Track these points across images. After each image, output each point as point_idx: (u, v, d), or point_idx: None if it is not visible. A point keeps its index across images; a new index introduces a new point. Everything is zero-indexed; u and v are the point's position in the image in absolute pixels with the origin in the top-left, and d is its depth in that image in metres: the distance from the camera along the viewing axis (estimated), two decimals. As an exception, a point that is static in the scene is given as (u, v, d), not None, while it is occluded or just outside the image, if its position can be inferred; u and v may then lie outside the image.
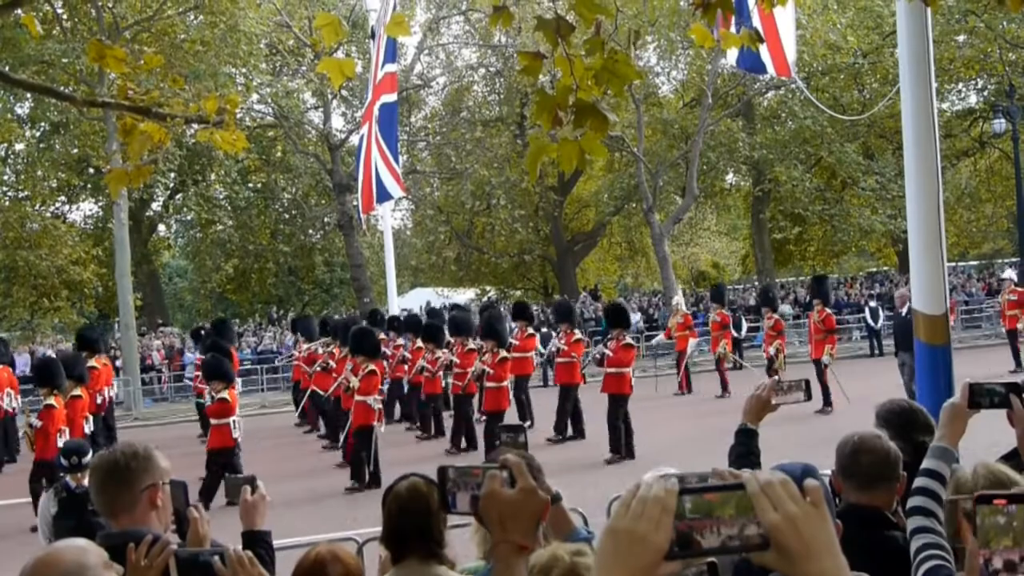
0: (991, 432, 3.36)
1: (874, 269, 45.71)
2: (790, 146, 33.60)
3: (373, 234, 36.14)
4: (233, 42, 27.47)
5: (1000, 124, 27.97)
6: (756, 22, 8.01)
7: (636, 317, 30.40)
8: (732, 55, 10.10)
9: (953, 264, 37.46)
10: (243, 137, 5.67)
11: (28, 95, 28.19)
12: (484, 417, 14.22)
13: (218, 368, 12.12)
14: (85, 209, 37.47)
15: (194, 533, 2.73)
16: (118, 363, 27.71)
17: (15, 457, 16.83)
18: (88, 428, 13.74)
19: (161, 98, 5.87)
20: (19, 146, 32.70)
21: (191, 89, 20.19)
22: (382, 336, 18.81)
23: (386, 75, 19.07)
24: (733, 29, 5.04)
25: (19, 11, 6.43)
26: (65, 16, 26.64)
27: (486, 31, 33.84)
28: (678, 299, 22.64)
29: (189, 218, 39.09)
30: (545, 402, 16.61)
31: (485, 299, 42.98)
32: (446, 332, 16.82)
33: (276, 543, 3.33)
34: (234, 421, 11.63)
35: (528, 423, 15.96)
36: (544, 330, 24.58)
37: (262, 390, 25.91)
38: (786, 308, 30.62)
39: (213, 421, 11.82)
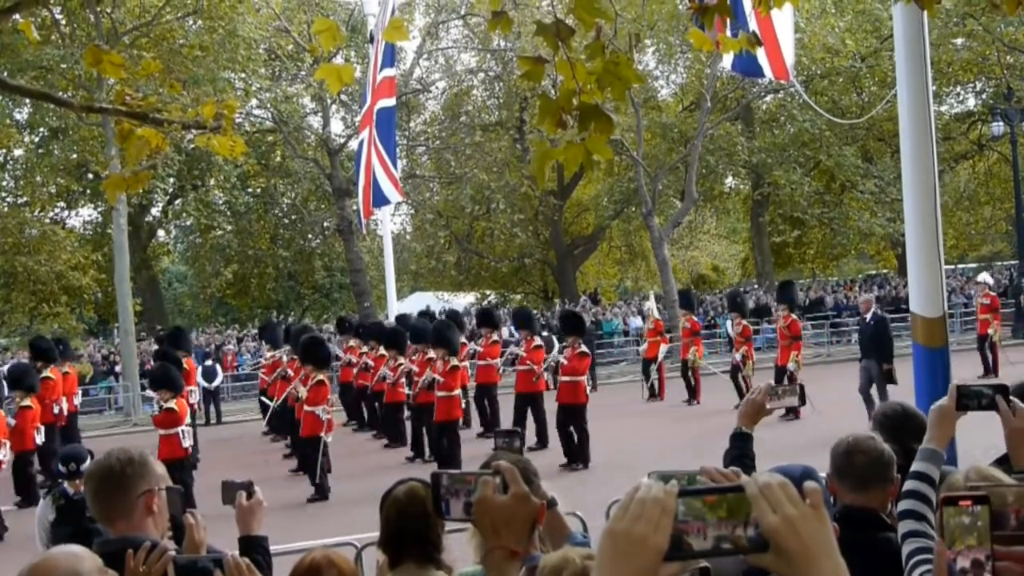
0: (988, 435, 3.36)
1: (873, 272, 45.73)
2: (789, 149, 33.63)
3: (373, 239, 36.12)
4: (232, 47, 27.48)
5: (998, 127, 28.03)
6: (753, 26, 8.01)
7: (638, 321, 30.41)
8: (727, 59, 10.11)
9: (952, 266, 37.48)
10: (241, 142, 5.68)
11: (26, 101, 28.20)
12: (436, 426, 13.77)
13: (165, 377, 11.93)
14: (84, 215, 37.50)
15: (190, 539, 2.73)
16: (117, 368, 27.74)
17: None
18: (39, 439, 13.62)
19: (159, 103, 5.88)
20: (18, 152, 32.69)
21: (189, 94, 20.19)
22: (354, 343, 18.87)
23: (384, 79, 19.09)
24: (729, 33, 5.05)
25: (17, 17, 6.43)
26: (63, 22, 26.65)
27: (485, 35, 33.85)
28: (650, 304, 22.47)
29: (188, 223, 39.08)
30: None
31: (485, 303, 43.00)
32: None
33: (273, 548, 3.33)
34: (183, 431, 11.43)
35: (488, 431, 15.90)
36: (545, 334, 24.62)
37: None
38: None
39: (161, 431, 11.54)
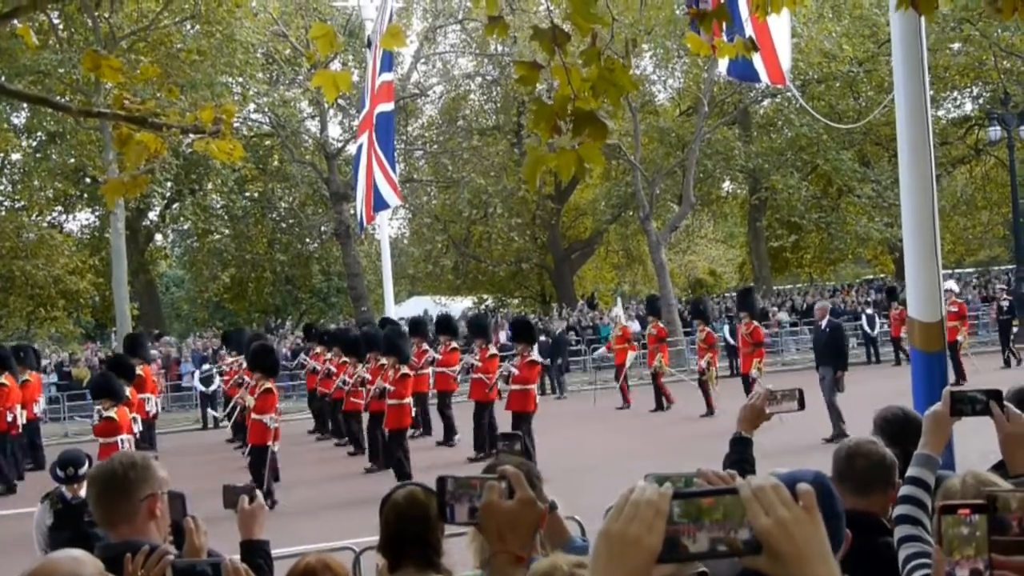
0: (986, 440, 3.37)
1: (871, 276, 45.76)
2: (786, 154, 33.67)
3: (370, 243, 36.13)
4: (229, 52, 27.50)
5: (995, 132, 28.05)
6: (750, 31, 8.03)
7: (635, 326, 30.40)
8: (723, 64, 10.12)
9: (950, 271, 37.49)
10: (239, 147, 5.68)
11: (24, 105, 28.21)
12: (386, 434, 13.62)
13: (105, 386, 11.81)
14: (82, 219, 37.49)
15: (191, 544, 2.73)
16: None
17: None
18: None
19: (157, 108, 5.88)
20: (15, 156, 32.70)
21: (187, 99, 20.25)
22: (319, 350, 18.81)
23: (383, 84, 19.09)
24: (724, 38, 5.06)
25: (15, 22, 6.43)
26: (61, 26, 26.65)
27: (482, 40, 33.89)
28: (617, 311, 22.37)
29: (186, 227, 39.06)
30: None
31: (483, 307, 43.00)
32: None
33: (274, 552, 3.33)
34: (123, 440, 11.27)
35: (454, 439, 15.88)
36: (543, 338, 24.63)
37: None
38: (783, 316, 30.68)
39: (100, 440, 11.41)
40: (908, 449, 3.09)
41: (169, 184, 33.93)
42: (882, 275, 43.90)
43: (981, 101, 34.93)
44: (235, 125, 6.10)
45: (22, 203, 31.91)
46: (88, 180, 32.36)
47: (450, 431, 16.09)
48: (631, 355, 19.86)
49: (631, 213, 34.72)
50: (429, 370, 16.63)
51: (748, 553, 1.16)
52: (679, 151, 32.50)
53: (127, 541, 2.65)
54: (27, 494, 13.18)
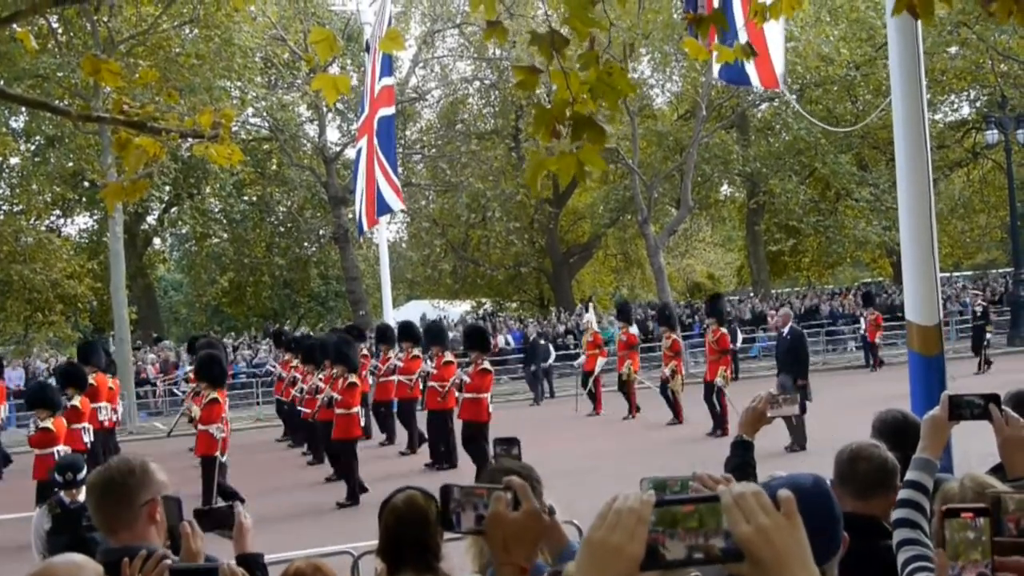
0: (984, 443, 3.37)
1: (869, 280, 45.80)
2: (784, 157, 33.72)
3: (369, 247, 36.14)
4: (228, 56, 27.51)
5: (993, 135, 28.08)
6: (744, 36, 8.05)
7: (633, 329, 30.36)
8: (715, 68, 10.14)
9: (947, 274, 37.56)
10: (238, 151, 5.69)
11: (23, 109, 28.21)
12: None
13: (41, 396, 11.60)
14: (80, 223, 37.51)
15: (187, 549, 2.72)
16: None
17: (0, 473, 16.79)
18: None
19: (156, 112, 5.88)
20: (14, 160, 32.68)
21: (186, 103, 20.26)
22: (287, 357, 18.74)
23: (384, 88, 19.11)
24: (717, 42, 5.08)
25: (14, 26, 6.44)
26: (60, 30, 26.65)
27: (481, 44, 33.94)
28: (588, 317, 22.11)
29: (184, 231, 39.06)
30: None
31: (481, 311, 43.01)
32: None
33: (272, 557, 3.33)
34: (58, 451, 11.00)
35: (412, 449, 15.73)
36: (542, 342, 24.63)
37: (258, 403, 25.83)
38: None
39: (36, 451, 11.22)
40: (907, 453, 3.09)
41: (168, 188, 33.92)
42: (880, 278, 43.93)
43: (978, 104, 34.97)
44: (234, 129, 6.10)
45: (20, 207, 31.88)
46: (87, 184, 32.36)
47: (412, 439, 15.91)
48: (601, 361, 19.64)
49: (629, 217, 34.77)
50: (393, 378, 16.45)
51: (728, 560, 1.17)
52: (677, 155, 32.55)
53: (128, 546, 2.64)
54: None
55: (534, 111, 4.18)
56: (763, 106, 35.48)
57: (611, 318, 30.27)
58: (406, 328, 17.19)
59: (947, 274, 36.92)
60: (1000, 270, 40.25)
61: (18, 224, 30.05)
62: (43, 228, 32.25)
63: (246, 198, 37.46)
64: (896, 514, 2.84)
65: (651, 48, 31.80)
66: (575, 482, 10.61)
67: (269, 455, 17.33)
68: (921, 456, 2.92)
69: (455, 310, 42.23)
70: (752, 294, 36.72)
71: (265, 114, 32.23)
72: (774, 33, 9.77)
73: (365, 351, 18.57)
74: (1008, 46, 30.88)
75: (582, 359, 20.40)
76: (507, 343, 29.54)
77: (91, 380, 14.45)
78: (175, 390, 27.23)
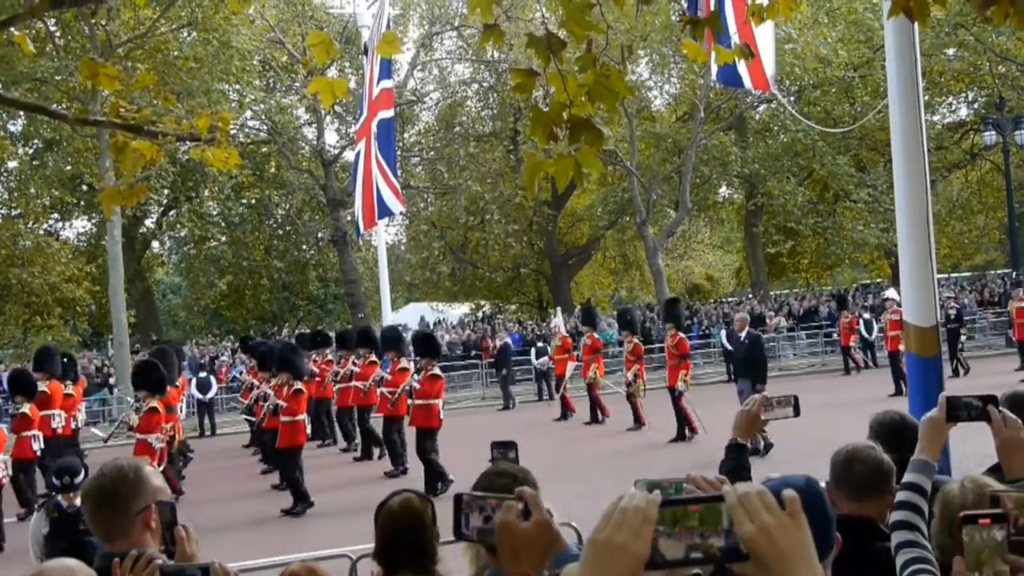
0: (982, 444, 3.37)
1: (867, 281, 45.83)
2: (782, 159, 33.75)
3: (367, 249, 36.16)
4: (226, 59, 27.52)
5: (990, 136, 28.14)
6: (736, 38, 8.07)
7: (624, 336, 30.36)
8: (714, 70, 10.20)
9: (946, 275, 37.57)
10: (235, 154, 5.69)
11: (21, 113, 28.21)
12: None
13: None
14: (78, 226, 37.50)
15: (182, 552, 2.72)
16: (111, 380, 27.68)
17: None
18: None
19: (154, 115, 5.89)
20: (12, 163, 32.67)
21: (184, 106, 20.26)
22: (254, 363, 18.68)
23: (382, 91, 19.11)
24: (708, 46, 5.08)
25: (12, 29, 6.44)
26: (58, 34, 26.66)
27: (479, 47, 33.96)
28: (557, 321, 22.03)
29: (183, 235, 39.07)
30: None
31: (480, 313, 43.02)
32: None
33: (269, 560, 3.33)
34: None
35: (376, 456, 15.59)
36: (540, 344, 24.60)
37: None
38: (780, 320, 30.70)
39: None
40: (904, 455, 3.09)
41: (166, 191, 33.94)
42: (879, 279, 43.96)
43: (976, 106, 35.02)
44: (232, 132, 6.10)
45: (18, 211, 31.87)
46: (85, 188, 32.37)
47: (368, 446, 15.84)
48: (571, 365, 19.44)
49: (628, 219, 34.79)
50: (352, 384, 16.39)
51: (729, 559, 1.17)
52: (675, 157, 32.58)
53: (125, 552, 2.64)
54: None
55: (531, 114, 4.19)
56: (761, 108, 35.52)
57: (610, 319, 30.33)
58: (363, 334, 17.13)
59: (945, 275, 36.93)
60: (998, 271, 40.26)
61: (16, 228, 30.05)
62: (41, 232, 32.25)
63: (244, 201, 37.48)
64: (894, 516, 2.84)
65: (649, 50, 31.83)
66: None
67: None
68: (919, 458, 2.92)
69: (454, 312, 42.24)
70: (751, 296, 36.75)
71: (263, 117, 32.23)
72: (765, 35, 9.81)
73: (331, 356, 18.49)
74: (1006, 48, 30.94)
75: (543, 361, 20.06)
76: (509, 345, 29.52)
77: (44, 387, 14.26)
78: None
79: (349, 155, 29.18)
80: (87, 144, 28.42)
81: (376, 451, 15.65)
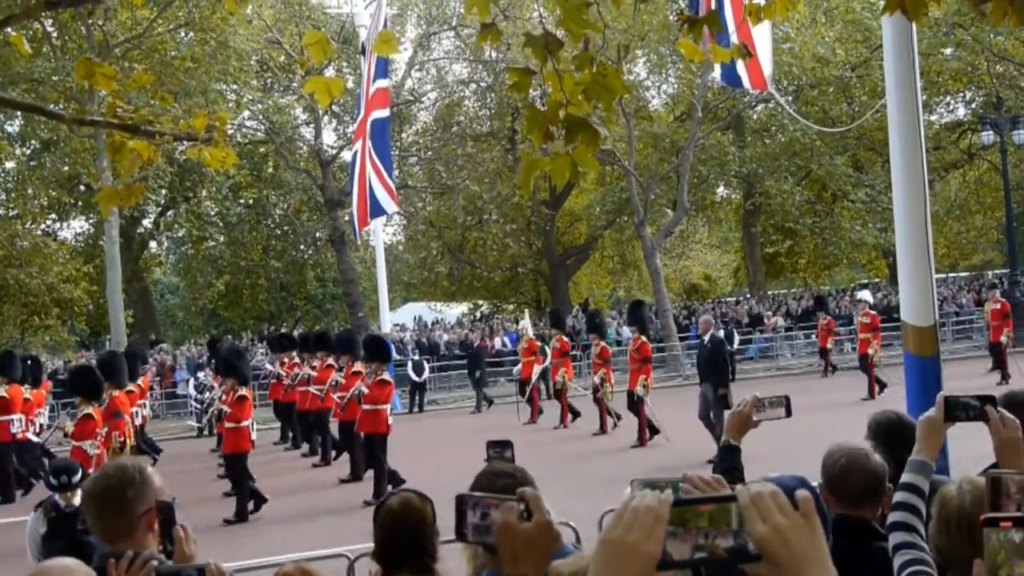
0: (980, 444, 3.37)
1: (866, 281, 45.87)
2: (780, 159, 33.75)
3: (365, 249, 36.13)
4: (223, 59, 27.49)
5: (988, 136, 28.10)
6: (734, 38, 8.07)
7: (628, 330, 30.39)
8: (717, 70, 10.22)
9: (943, 276, 37.61)
10: (233, 154, 5.69)
11: (18, 113, 28.20)
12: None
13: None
14: (76, 227, 37.46)
15: (180, 553, 2.71)
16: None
17: None
18: None
19: (151, 115, 5.88)
20: (9, 164, 32.64)
21: (181, 106, 20.23)
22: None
23: (378, 90, 19.13)
24: (706, 46, 5.09)
25: (9, 29, 6.44)
26: (55, 34, 26.64)
27: (477, 46, 33.93)
28: (524, 323, 21.89)
29: (180, 235, 39.04)
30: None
31: (478, 313, 43.03)
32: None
33: (267, 560, 3.32)
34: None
35: (327, 461, 15.56)
36: (538, 343, 24.59)
37: (255, 406, 25.78)
38: (779, 320, 30.73)
39: None
40: (901, 455, 3.09)
41: (163, 191, 33.91)
42: (877, 279, 44.01)
43: (974, 106, 35.04)
44: (229, 132, 6.10)
45: (16, 211, 31.85)
46: (82, 188, 32.34)
47: (325, 451, 15.77)
48: (537, 368, 19.29)
49: (626, 218, 34.76)
50: (308, 389, 16.30)
51: (738, 560, 1.16)
52: (673, 156, 32.55)
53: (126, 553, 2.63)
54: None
55: (528, 113, 4.19)
56: (759, 108, 35.52)
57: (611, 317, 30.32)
58: (320, 337, 17.11)
59: (943, 275, 36.97)
60: (996, 271, 40.30)
61: (14, 228, 30.03)
62: (39, 232, 32.22)
63: (242, 201, 37.46)
64: (892, 517, 2.83)
65: (647, 50, 31.81)
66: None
67: (265, 457, 17.28)
68: (917, 458, 2.92)
69: (452, 312, 42.26)
70: (749, 295, 36.77)
71: (261, 117, 32.20)
72: (762, 35, 9.83)
73: (297, 358, 18.29)
74: (1003, 47, 30.95)
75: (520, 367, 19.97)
76: (504, 344, 29.55)
77: (3, 392, 14.16)
78: (175, 392, 27.24)
79: (347, 155, 29.16)
80: (84, 144, 28.39)
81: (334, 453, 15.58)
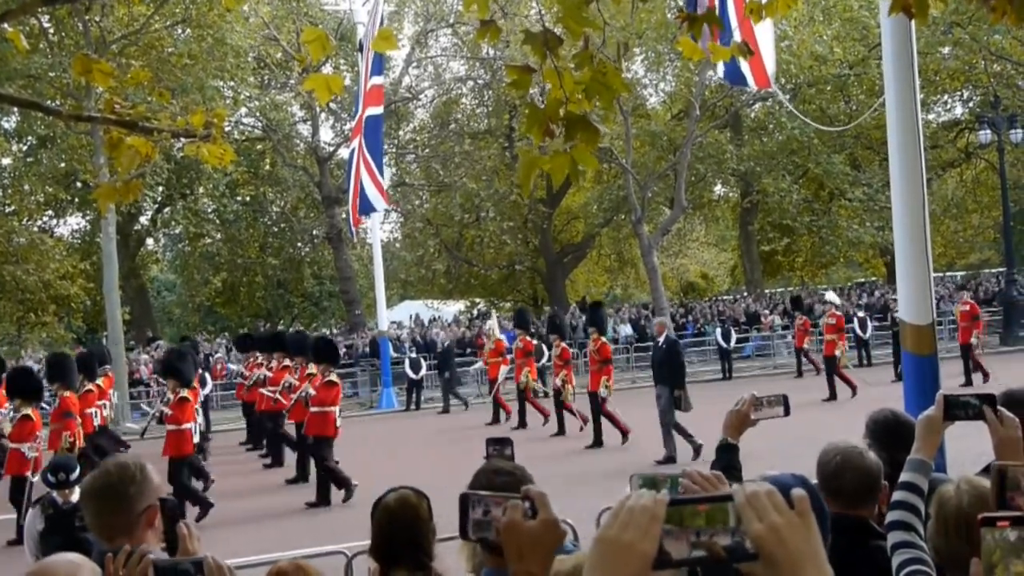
0: (978, 443, 3.38)
1: (863, 279, 45.92)
2: (777, 157, 33.78)
3: (362, 247, 36.13)
4: (220, 55, 27.46)
5: (985, 135, 28.12)
6: (737, 36, 8.07)
7: (627, 329, 30.45)
8: (720, 68, 10.21)
9: (940, 274, 37.64)
10: (230, 151, 5.67)
11: (14, 109, 28.14)
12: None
13: None
14: (72, 223, 37.43)
15: (183, 550, 2.71)
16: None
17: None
18: None
19: (148, 112, 5.87)
20: (6, 160, 32.57)
21: (178, 103, 20.22)
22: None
23: (373, 87, 19.12)
24: (710, 42, 5.08)
25: (5, 25, 6.42)
26: (52, 30, 26.58)
27: (474, 44, 33.93)
28: (491, 324, 21.87)
29: (177, 232, 39.01)
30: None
31: (476, 311, 43.01)
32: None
33: (263, 557, 3.32)
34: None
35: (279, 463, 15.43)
36: (535, 342, 24.57)
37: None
38: (775, 319, 30.73)
39: None
40: (896, 454, 3.09)
41: (160, 188, 33.86)
42: (874, 278, 44.07)
43: (971, 105, 35.08)
44: (226, 129, 6.09)
45: (12, 208, 31.77)
46: (79, 185, 32.29)
47: (279, 453, 15.67)
48: (503, 369, 19.21)
49: (623, 217, 34.78)
50: (263, 390, 16.22)
51: (735, 559, 1.16)
52: (671, 155, 32.58)
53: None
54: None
55: (527, 111, 4.18)
56: (756, 106, 35.54)
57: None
58: (276, 338, 16.98)
59: (940, 274, 36.99)
60: (993, 270, 40.34)
61: (10, 225, 29.95)
62: (35, 229, 32.17)
63: (239, 198, 37.42)
64: (891, 516, 2.83)
65: (645, 48, 31.83)
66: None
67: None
68: (915, 457, 2.91)
69: (449, 310, 42.24)
70: (746, 294, 36.79)
71: (258, 114, 32.19)
72: (764, 32, 9.82)
73: (261, 359, 18.01)
74: (1001, 46, 30.96)
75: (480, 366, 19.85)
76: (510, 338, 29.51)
77: None
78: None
79: (344, 152, 29.16)
80: (81, 141, 28.34)
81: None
